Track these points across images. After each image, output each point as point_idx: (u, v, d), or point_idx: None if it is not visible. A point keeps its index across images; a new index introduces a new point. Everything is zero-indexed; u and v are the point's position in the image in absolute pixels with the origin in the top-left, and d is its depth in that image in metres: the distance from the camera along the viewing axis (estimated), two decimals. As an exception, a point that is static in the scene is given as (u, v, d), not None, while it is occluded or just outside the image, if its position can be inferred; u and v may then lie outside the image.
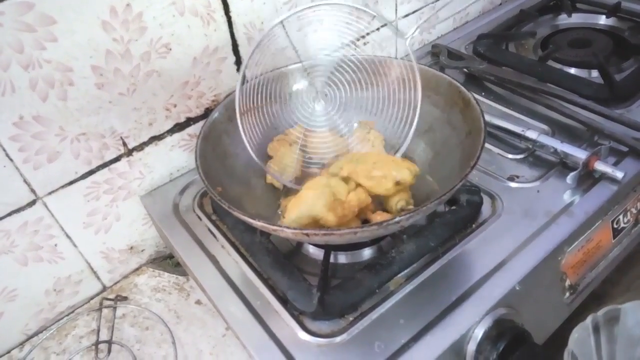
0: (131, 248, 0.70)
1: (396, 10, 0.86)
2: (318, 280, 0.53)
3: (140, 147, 0.66)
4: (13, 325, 0.63)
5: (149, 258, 0.73)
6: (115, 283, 0.70)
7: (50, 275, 0.64)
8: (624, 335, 0.48)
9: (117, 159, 0.64)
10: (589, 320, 0.47)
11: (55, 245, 0.62)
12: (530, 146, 0.68)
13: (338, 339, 0.49)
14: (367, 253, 0.59)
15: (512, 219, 0.59)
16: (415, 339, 0.48)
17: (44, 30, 0.51)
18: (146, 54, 0.60)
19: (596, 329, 0.47)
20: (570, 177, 0.62)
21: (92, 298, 0.68)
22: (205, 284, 0.57)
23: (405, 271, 0.55)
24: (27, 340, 0.64)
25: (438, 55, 0.88)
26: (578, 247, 0.59)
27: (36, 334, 0.65)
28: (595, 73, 0.81)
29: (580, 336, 0.47)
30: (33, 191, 0.58)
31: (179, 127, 0.68)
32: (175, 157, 0.70)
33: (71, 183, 0.61)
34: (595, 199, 0.60)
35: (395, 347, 0.48)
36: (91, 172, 0.62)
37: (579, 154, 0.62)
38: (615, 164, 0.64)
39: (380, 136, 0.66)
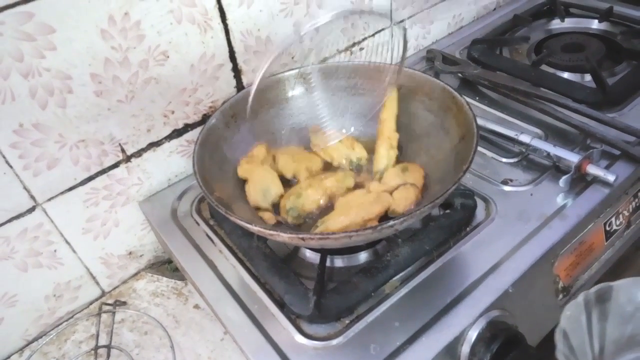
0: (130, 253, 0.71)
1: (391, 16, 0.87)
2: (314, 284, 0.54)
3: (138, 154, 0.66)
4: (13, 331, 0.63)
5: (148, 263, 0.74)
6: (114, 288, 0.71)
7: (49, 281, 0.64)
8: (616, 312, 0.48)
9: (115, 165, 0.64)
10: (580, 297, 0.47)
11: (55, 251, 0.63)
12: (524, 150, 0.69)
13: (334, 341, 0.50)
14: (363, 257, 0.60)
15: (505, 222, 0.60)
16: (410, 341, 0.49)
17: (43, 39, 0.52)
18: (144, 62, 0.61)
19: (588, 307, 0.48)
20: (563, 181, 0.63)
21: (91, 303, 0.69)
22: (203, 289, 0.58)
23: (401, 274, 0.56)
24: (26, 345, 0.65)
25: (433, 60, 0.89)
26: (571, 249, 0.60)
27: (36, 339, 0.65)
28: (588, 77, 0.82)
29: (572, 314, 0.47)
30: (33, 197, 0.58)
31: (177, 133, 0.69)
32: (173, 163, 0.71)
33: (70, 189, 0.61)
34: (588, 202, 0.61)
35: (390, 350, 0.49)
36: (90, 179, 0.63)
37: (572, 158, 0.63)
38: (607, 167, 0.65)
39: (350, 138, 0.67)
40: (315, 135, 0.67)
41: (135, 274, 0.72)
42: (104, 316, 0.66)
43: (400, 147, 0.65)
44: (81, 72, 0.56)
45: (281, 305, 0.54)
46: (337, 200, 0.59)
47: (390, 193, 0.58)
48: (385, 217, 0.57)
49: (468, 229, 0.60)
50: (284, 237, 0.49)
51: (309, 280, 0.56)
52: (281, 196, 0.62)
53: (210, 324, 0.62)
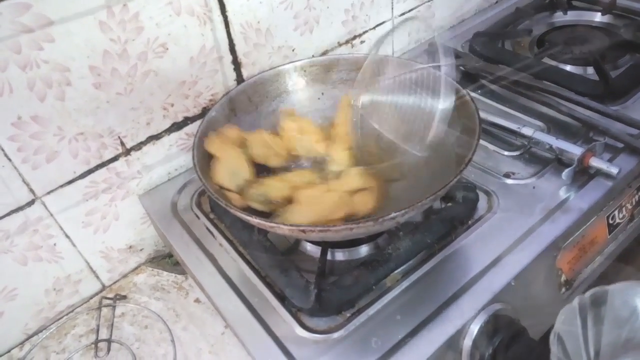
0: (130, 247, 0.71)
1: (392, 9, 0.86)
2: (315, 277, 0.54)
3: (138, 147, 0.66)
4: (13, 325, 0.63)
5: (148, 257, 0.73)
6: (115, 282, 0.71)
7: (49, 275, 0.64)
8: (611, 316, 0.48)
9: (115, 159, 0.64)
10: (575, 301, 0.47)
11: (55, 244, 0.63)
12: (526, 143, 0.68)
13: (335, 335, 0.50)
14: (364, 250, 0.60)
15: (508, 216, 0.59)
16: (412, 334, 0.49)
17: (41, 31, 0.52)
18: (143, 54, 0.60)
19: (583, 310, 0.47)
20: (565, 174, 0.62)
21: (91, 297, 0.69)
22: (203, 283, 0.58)
23: (402, 267, 0.55)
24: (27, 339, 0.64)
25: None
26: (573, 242, 0.60)
27: (36, 333, 0.65)
28: (590, 70, 0.81)
29: (566, 317, 0.47)
30: (32, 191, 0.58)
31: (176, 127, 0.69)
32: (173, 156, 0.71)
33: (70, 182, 0.61)
34: (591, 195, 0.61)
35: (391, 343, 0.48)
36: (89, 172, 0.62)
37: (574, 150, 0.63)
38: (610, 160, 0.64)
39: (306, 119, 0.67)
40: (285, 118, 0.66)
41: (136, 268, 0.72)
42: (104, 310, 0.65)
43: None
44: (80, 65, 0.56)
45: (282, 298, 0.54)
46: (299, 192, 0.58)
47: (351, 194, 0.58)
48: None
49: (470, 222, 0.59)
50: (284, 229, 0.49)
51: (309, 273, 0.56)
52: (248, 181, 0.60)
53: (210, 318, 0.62)
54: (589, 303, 0.47)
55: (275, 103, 0.69)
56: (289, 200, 0.58)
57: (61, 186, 0.60)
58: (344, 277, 0.54)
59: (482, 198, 0.62)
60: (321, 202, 0.56)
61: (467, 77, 0.84)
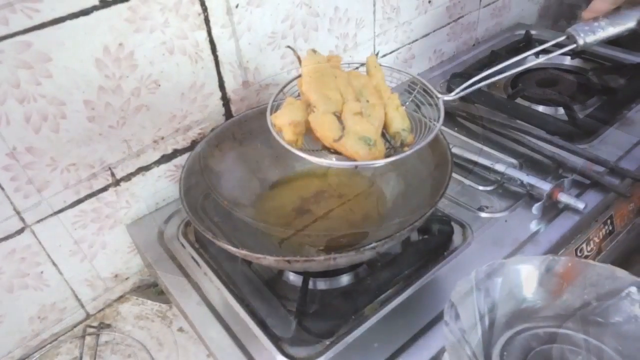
0: (116, 276, 0.72)
1: (375, 50, 0.91)
2: (296, 307, 0.55)
3: (127, 178, 0.68)
4: (-4, 353, 0.64)
5: (133, 286, 0.74)
6: (99, 311, 0.71)
7: (35, 303, 0.65)
8: (507, 288, 0.47)
9: (104, 189, 0.66)
10: (472, 274, 0.48)
11: (42, 272, 0.64)
12: (499, 178, 0.72)
13: (315, 362, 0.51)
14: (344, 280, 0.62)
15: (481, 248, 0.62)
16: (389, 362, 0.51)
17: (40, 67, 0.54)
18: (136, 90, 0.63)
19: (479, 282, 0.48)
20: (535, 208, 0.66)
21: (75, 326, 0.69)
22: (187, 310, 0.59)
23: (380, 297, 0.57)
24: (9, 368, 0.65)
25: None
26: (543, 274, 0.62)
27: (18, 361, 0.65)
28: (561, 111, 0.86)
29: (462, 288, 0.47)
30: (22, 219, 0.60)
31: (165, 159, 0.71)
32: (161, 187, 0.73)
33: (60, 212, 0.63)
34: (559, 229, 0.64)
35: (369, 370, 0.50)
36: (79, 201, 0.64)
37: (544, 186, 0.66)
38: (578, 196, 0.68)
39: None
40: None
41: (120, 297, 0.73)
42: (88, 339, 0.66)
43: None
44: (75, 99, 0.58)
45: (264, 326, 0.55)
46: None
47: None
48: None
49: (445, 253, 0.62)
50: (269, 260, 0.51)
51: (292, 302, 0.57)
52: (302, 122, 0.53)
53: (193, 347, 0.63)
54: (484, 275, 0.48)
55: (259, 140, 0.71)
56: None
57: (51, 215, 0.62)
58: (324, 307, 0.56)
59: (458, 230, 0.65)
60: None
61: (445, 116, 0.88)
